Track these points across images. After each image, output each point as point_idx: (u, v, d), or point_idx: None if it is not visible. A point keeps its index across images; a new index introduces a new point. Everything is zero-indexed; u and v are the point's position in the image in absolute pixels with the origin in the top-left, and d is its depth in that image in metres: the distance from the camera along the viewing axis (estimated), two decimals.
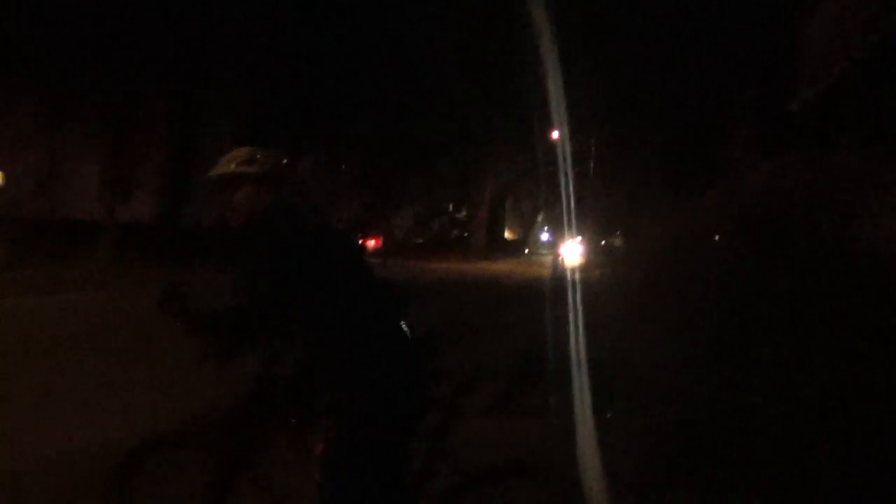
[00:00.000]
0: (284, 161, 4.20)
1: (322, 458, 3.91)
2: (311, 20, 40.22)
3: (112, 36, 28.12)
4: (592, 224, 51.16)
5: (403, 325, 3.97)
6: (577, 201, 45.02)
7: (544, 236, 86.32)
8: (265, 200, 4.08)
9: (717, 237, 7.61)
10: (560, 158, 40.33)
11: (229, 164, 4.13)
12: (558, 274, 33.09)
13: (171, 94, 33.66)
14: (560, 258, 34.92)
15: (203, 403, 7.64)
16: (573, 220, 49.87)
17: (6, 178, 33.87)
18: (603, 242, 58.74)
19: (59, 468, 6.51)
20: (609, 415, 7.28)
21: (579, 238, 47.84)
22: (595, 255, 49.37)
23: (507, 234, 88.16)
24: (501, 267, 51.67)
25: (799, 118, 15.43)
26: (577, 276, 32.55)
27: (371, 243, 54.06)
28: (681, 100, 37.53)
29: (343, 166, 54.04)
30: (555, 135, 42.35)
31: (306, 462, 4.05)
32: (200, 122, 35.11)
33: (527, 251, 78.06)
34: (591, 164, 44.65)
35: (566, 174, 39.65)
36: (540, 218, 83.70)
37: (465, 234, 71.73)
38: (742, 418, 5.53)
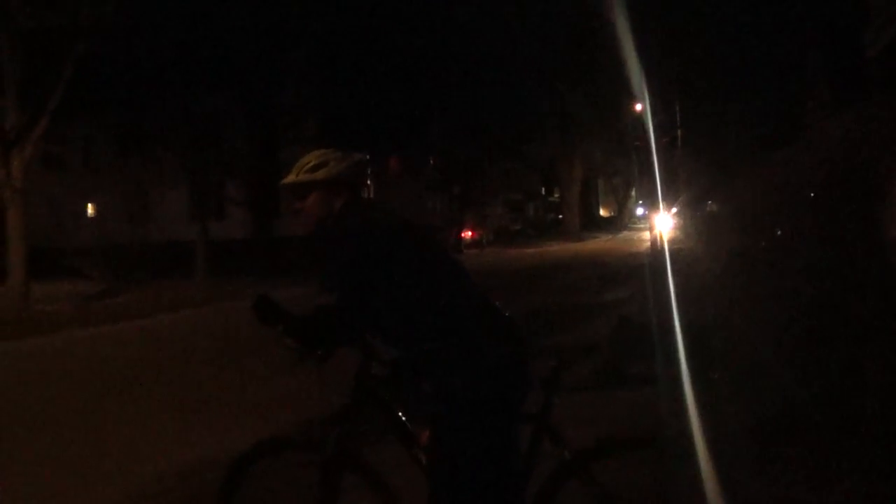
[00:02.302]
0: (360, 160, 4.20)
1: (429, 448, 3.91)
2: (389, 17, 40.31)
3: (190, 57, 28.55)
4: (686, 194, 50.55)
5: (498, 306, 3.98)
6: (668, 172, 44.59)
7: (639, 211, 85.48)
8: (336, 204, 4.05)
9: (811, 194, 7.47)
10: (646, 131, 39.96)
11: (299, 170, 4.13)
12: (657, 248, 32.72)
13: (251, 107, 33.96)
14: (657, 232, 34.38)
15: (308, 406, 7.81)
16: (665, 193, 49.42)
17: (98, 210, 34.63)
18: (698, 212, 58.02)
19: (177, 478, 6.68)
20: (715, 375, 7.22)
21: (674, 209, 47.27)
22: (692, 225, 48.80)
23: (602, 212, 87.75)
24: (597, 246, 51.33)
25: (875, 64, 15.10)
26: (675, 247, 32.21)
27: (467, 234, 54.05)
28: (757, 58, 36.87)
29: (431, 162, 54.15)
30: (638, 107, 41.93)
31: (416, 455, 4.07)
32: (284, 131, 35.30)
33: (623, 227, 77.41)
34: (679, 133, 44.05)
35: (653, 146, 39.25)
36: (633, 193, 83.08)
37: (560, 216, 71.51)
38: (844, 391, 5.44)
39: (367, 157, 4.24)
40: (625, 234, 68.26)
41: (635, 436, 4.25)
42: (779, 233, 9.27)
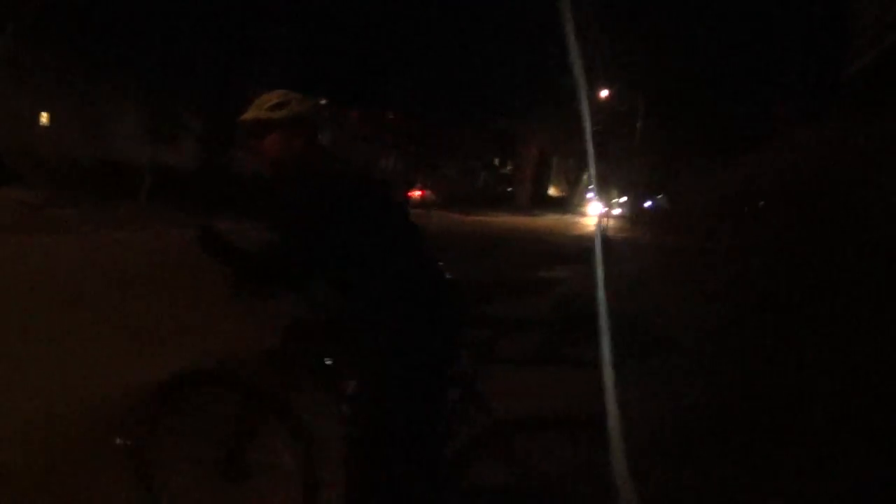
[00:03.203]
0: (320, 104, 4.12)
1: (353, 398, 3.89)
2: None
3: None
4: (637, 184, 50.99)
5: (441, 266, 3.94)
6: (623, 161, 44.95)
7: (589, 194, 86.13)
8: (296, 146, 4.00)
9: (761, 203, 7.53)
10: (607, 117, 40.26)
11: (259, 108, 4.05)
12: (603, 233, 32.98)
13: (216, 38, 33.71)
14: (604, 217, 34.76)
15: (238, 342, 7.72)
16: (618, 180, 49.70)
17: (52, 119, 34.19)
18: (648, 203, 58.56)
19: (96, 408, 6.54)
20: (648, 364, 7.25)
21: (624, 198, 47.64)
22: (640, 215, 49.21)
23: (553, 191, 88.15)
24: (545, 222, 51.66)
25: (849, 86, 15.25)
26: (621, 234, 32.45)
27: (416, 194, 54.24)
28: (729, 59, 37.25)
29: (391, 117, 54.11)
30: (603, 93, 42.17)
31: (338, 404, 4.04)
32: (246, 68, 35.12)
33: (572, 208, 78.05)
34: (638, 125, 44.37)
35: (610, 134, 39.58)
36: (585, 176, 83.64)
37: (510, 189, 71.89)
38: (769, 391, 5.48)
39: (326, 101, 4.17)
40: (573, 215, 68.75)
41: (560, 415, 4.20)
42: (724, 232, 9.37)
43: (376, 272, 3.76)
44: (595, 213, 49.84)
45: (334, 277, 3.86)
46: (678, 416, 5.85)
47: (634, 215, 50.22)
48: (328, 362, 4.12)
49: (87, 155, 30.30)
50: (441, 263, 3.98)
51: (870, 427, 4.74)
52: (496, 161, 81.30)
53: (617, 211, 46.64)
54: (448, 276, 3.97)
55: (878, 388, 4.90)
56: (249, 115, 4.06)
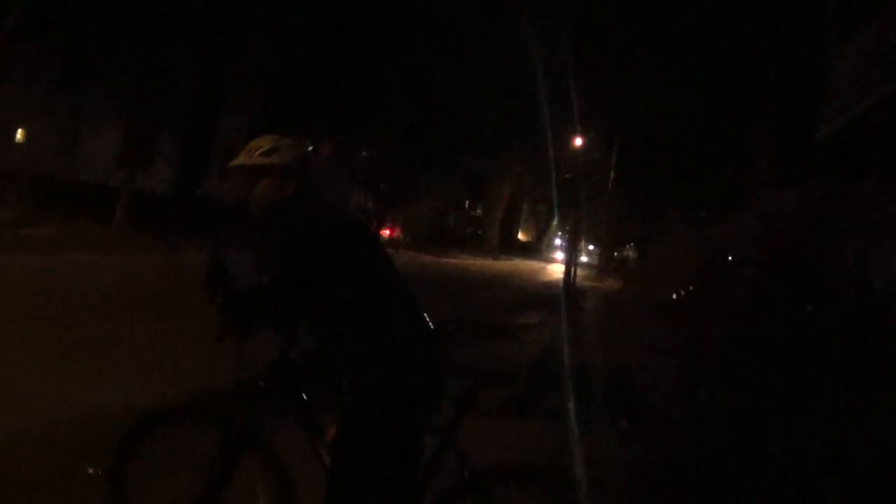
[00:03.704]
0: (308, 150, 4.19)
1: (333, 442, 3.90)
2: (340, 7, 40.31)
3: (140, 4, 28.22)
4: (607, 234, 51.18)
5: (426, 317, 3.99)
6: (593, 211, 45.10)
7: (557, 241, 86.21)
8: (288, 190, 4.06)
9: (740, 265, 7.61)
10: (578, 166, 40.46)
11: (250, 154, 4.12)
12: (571, 281, 33.04)
13: (196, 66, 33.64)
14: (572, 266, 34.78)
15: (216, 377, 7.72)
16: (587, 230, 49.82)
17: (28, 136, 33.99)
18: (616, 253, 58.76)
19: (65, 430, 6.52)
20: (623, 424, 7.30)
21: (592, 247, 47.79)
22: (608, 265, 49.33)
23: (521, 236, 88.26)
24: (513, 267, 51.74)
25: (824, 148, 15.44)
26: (588, 283, 32.53)
27: (386, 233, 54.22)
28: (705, 118, 37.60)
29: (363, 154, 54.05)
30: (577, 142, 42.37)
31: (318, 445, 4.07)
32: (223, 97, 35.09)
33: (540, 254, 78.12)
34: (611, 175, 44.55)
35: (583, 183, 39.75)
36: (555, 223, 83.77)
37: (479, 231, 71.89)
38: (747, 447, 5.55)
39: (311, 147, 4.24)
40: (540, 261, 68.82)
41: (537, 466, 4.26)
42: (690, 289, 9.44)
43: (360, 317, 3.78)
44: (562, 260, 49.95)
45: (319, 320, 3.90)
46: (647, 471, 5.91)
47: (602, 265, 50.39)
48: (308, 403, 4.15)
49: (62, 174, 30.13)
50: (425, 314, 4.03)
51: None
52: (466, 203, 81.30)
53: (585, 259, 46.80)
54: (431, 324, 4.02)
55: (837, 457, 4.99)
56: (240, 160, 4.12)
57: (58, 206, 25.67)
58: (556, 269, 50.72)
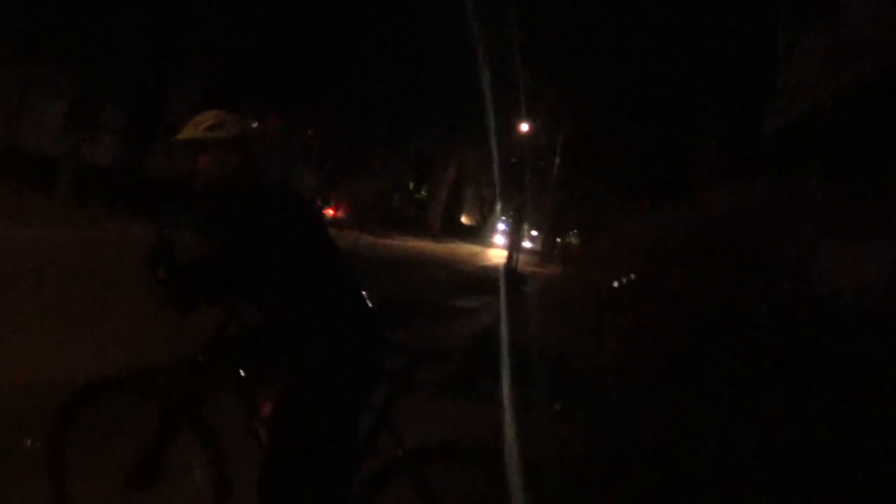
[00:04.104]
0: (253, 125, 4.17)
1: (270, 419, 3.90)
2: None
3: None
4: (550, 220, 51.35)
5: (365, 295, 3.99)
6: (538, 196, 45.21)
7: (501, 226, 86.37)
8: (231, 165, 4.05)
9: (679, 256, 7.69)
10: (524, 151, 40.52)
11: (196, 127, 4.09)
12: (514, 266, 33.14)
13: (144, 38, 33.26)
14: (514, 251, 34.86)
15: (155, 351, 7.66)
16: (530, 215, 49.96)
17: None
18: (559, 239, 59.01)
19: (4, 403, 6.45)
20: (557, 407, 7.34)
21: (535, 233, 47.93)
22: (551, 251, 49.53)
23: (465, 219, 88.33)
24: (455, 250, 51.80)
25: (770, 143, 15.60)
26: (530, 268, 32.65)
27: (330, 212, 54.08)
28: (653, 110, 37.78)
29: (309, 132, 53.80)
30: (523, 127, 42.39)
31: (253, 420, 4.07)
32: (171, 71, 34.74)
33: (483, 238, 78.20)
34: (556, 161, 44.67)
35: (528, 168, 39.83)
36: (499, 207, 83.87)
37: (423, 214, 71.89)
38: (684, 432, 5.60)
39: (257, 123, 4.22)
40: (483, 245, 68.90)
41: (470, 445, 4.27)
42: (632, 277, 9.50)
43: (300, 293, 3.79)
44: (505, 244, 50.10)
45: (260, 296, 3.89)
46: (580, 451, 5.96)
47: (545, 250, 50.54)
48: (245, 379, 4.14)
49: (4, 144, 29.64)
50: (365, 293, 4.03)
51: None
52: (411, 185, 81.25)
53: (528, 244, 46.93)
54: (370, 304, 4.03)
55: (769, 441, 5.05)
56: (186, 134, 4.09)
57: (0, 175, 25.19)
58: (499, 254, 50.73)
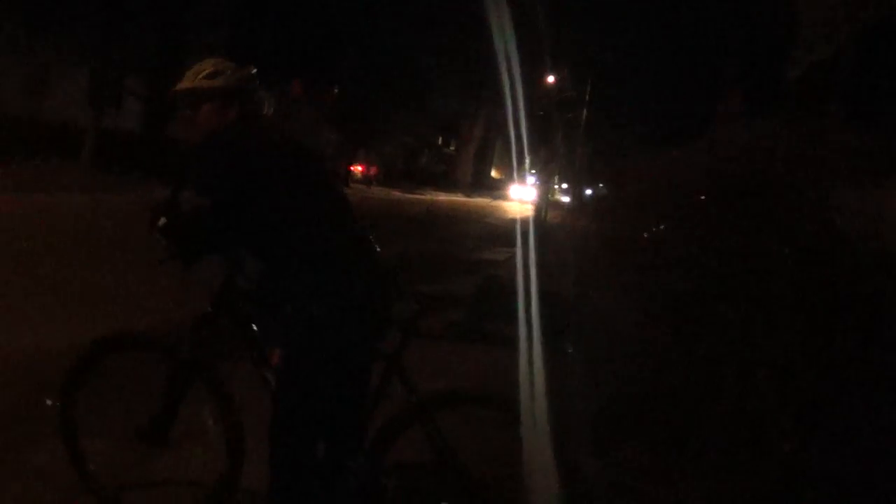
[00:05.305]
0: (252, 73, 4.12)
1: (279, 369, 3.90)
2: None
3: None
4: (579, 173, 51.17)
5: (372, 241, 3.97)
6: (567, 149, 45.07)
7: (531, 179, 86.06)
8: (229, 116, 3.98)
9: (699, 196, 7.59)
10: (551, 103, 40.33)
11: (193, 77, 4.02)
12: (540, 219, 33.05)
13: (164, 7, 33.19)
14: (542, 204, 34.80)
15: (168, 308, 7.68)
16: (558, 167, 49.79)
17: None
18: (589, 191, 58.82)
19: (23, 367, 6.49)
20: (570, 350, 7.31)
21: (565, 185, 47.71)
22: (580, 203, 49.39)
23: (495, 173, 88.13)
24: (484, 204, 51.79)
25: (794, 85, 15.39)
26: (558, 221, 32.54)
27: (357, 169, 54.16)
28: (677, 57, 37.54)
29: (335, 91, 53.68)
30: (550, 79, 42.20)
31: (264, 371, 4.07)
32: (192, 35, 34.68)
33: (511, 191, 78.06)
34: (584, 113, 44.44)
35: (554, 120, 39.66)
36: (528, 161, 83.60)
37: (452, 169, 71.82)
38: (701, 381, 5.57)
39: (255, 70, 4.16)
40: (512, 199, 68.81)
41: (483, 392, 4.27)
42: (661, 227, 9.42)
43: (303, 243, 3.76)
44: (533, 198, 49.93)
45: (262, 246, 3.88)
46: (596, 399, 5.94)
47: (574, 203, 50.43)
48: (255, 329, 4.15)
49: (27, 113, 29.69)
50: (372, 237, 4.01)
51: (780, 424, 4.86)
52: (440, 140, 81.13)
53: (565, 198, 46.79)
54: (378, 249, 4.01)
55: (794, 389, 5.01)
56: (184, 84, 4.04)
57: (24, 145, 25.26)
58: (528, 208, 50.63)
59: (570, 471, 3.83)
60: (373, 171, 56.38)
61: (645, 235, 10.36)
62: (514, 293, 8.71)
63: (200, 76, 3.99)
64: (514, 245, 20.77)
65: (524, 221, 32.69)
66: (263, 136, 3.96)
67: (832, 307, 5.06)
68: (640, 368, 6.08)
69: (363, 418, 3.96)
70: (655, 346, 6.14)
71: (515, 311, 7.60)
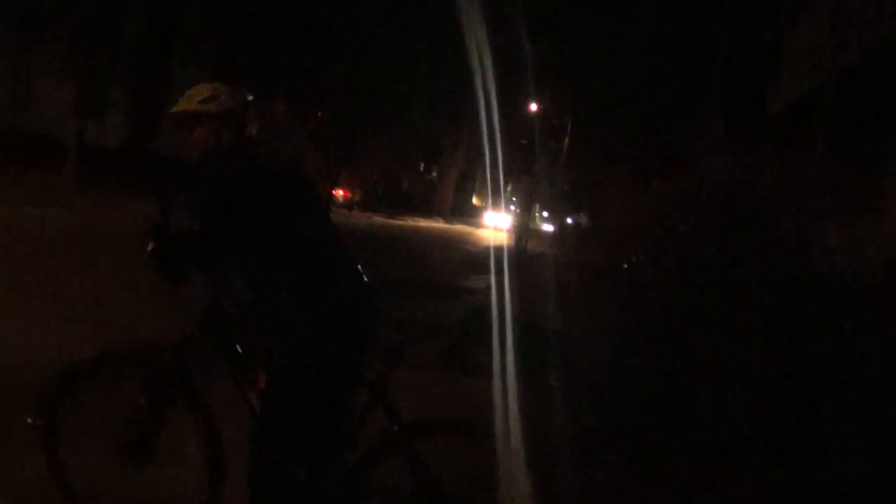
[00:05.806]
0: (248, 99, 4.18)
1: (264, 392, 3.93)
2: None
3: None
4: (560, 202, 51.24)
5: (360, 268, 4.01)
6: (548, 177, 45.14)
7: (511, 207, 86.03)
8: (225, 139, 4.05)
9: (681, 226, 7.65)
10: (534, 132, 40.45)
11: (190, 101, 4.09)
12: (520, 247, 33.11)
13: (148, 19, 33.20)
14: (522, 232, 34.90)
15: (153, 326, 7.68)
16: (541, 197, 49.83)
17: None
18: (569, 220, 58.85)
19: (3, 381, 6.48)
20: (554, 383, 7.35)
21: (546, 214, 47.76)
22: (561, 232, 49.39)
23: (475, 201, 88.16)
24: (464, 231, 51.78)
25: (776, 119, 15.51)
26: (539, 249, 32.57)
27: (339, 193, 54.15)
28: (659, 90, 37.69)
29: (319, 114, 53.66)
30: (533, 107, 42.32)
31: (248, 392, 4.09)
32: (177, 51, 34.69)
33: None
34: (566, 141, 44.57)
35: (536, 149, 39.77)
36: (509, 188, 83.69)
37: (433, 195, 71.78)
38: (677, 406, 5.62)
39: (252, 97, 4.22)
40: (491, 227, 68.90)
41: (464, 421, 4.29)
42: (635, 257, 9.50)
43: (291, 266, 3.79)
44: (509, 227, 50.01)
45: (251, 268, 3.90)
46: (575, 426, 5.99)
47: (555, 232, 50.41)
48: (240, 351, 4.17)
49: (11, 125, 29.62)
50: (360, 266, 4.05)
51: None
52: (421, 166, 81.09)
53: (548, 227, 46.89)
54: (365, 278, 4.04)
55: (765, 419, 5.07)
56: (180, 107, 4.10)
57: (8, 158, 25.20)
58: (507, 236, 50.72)
59: (548, 497, 3.86)
60: (356, 195, 56.39)
61: (625, 266, 10.44)
62: (497, 324, 8.76)
63: (197, 100, 4.05)
64: (494, 273, 20.85)
65: (498, 248, 32.76)
66: (256, 160, 4.02)
67: (804, 339, 5.12)
68: (615, 395, 6.14)
69: (345, 442, 3.98)
70: (633, 373, 6.20)
71: (501, 341, 7.64)
